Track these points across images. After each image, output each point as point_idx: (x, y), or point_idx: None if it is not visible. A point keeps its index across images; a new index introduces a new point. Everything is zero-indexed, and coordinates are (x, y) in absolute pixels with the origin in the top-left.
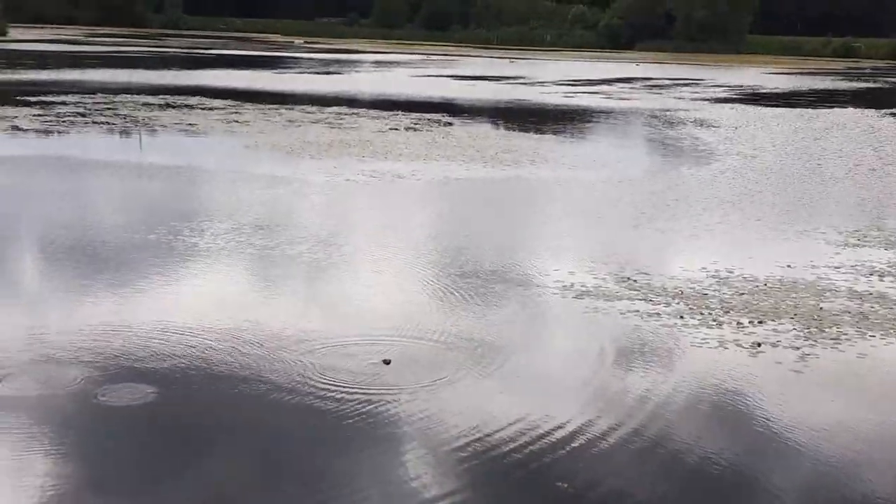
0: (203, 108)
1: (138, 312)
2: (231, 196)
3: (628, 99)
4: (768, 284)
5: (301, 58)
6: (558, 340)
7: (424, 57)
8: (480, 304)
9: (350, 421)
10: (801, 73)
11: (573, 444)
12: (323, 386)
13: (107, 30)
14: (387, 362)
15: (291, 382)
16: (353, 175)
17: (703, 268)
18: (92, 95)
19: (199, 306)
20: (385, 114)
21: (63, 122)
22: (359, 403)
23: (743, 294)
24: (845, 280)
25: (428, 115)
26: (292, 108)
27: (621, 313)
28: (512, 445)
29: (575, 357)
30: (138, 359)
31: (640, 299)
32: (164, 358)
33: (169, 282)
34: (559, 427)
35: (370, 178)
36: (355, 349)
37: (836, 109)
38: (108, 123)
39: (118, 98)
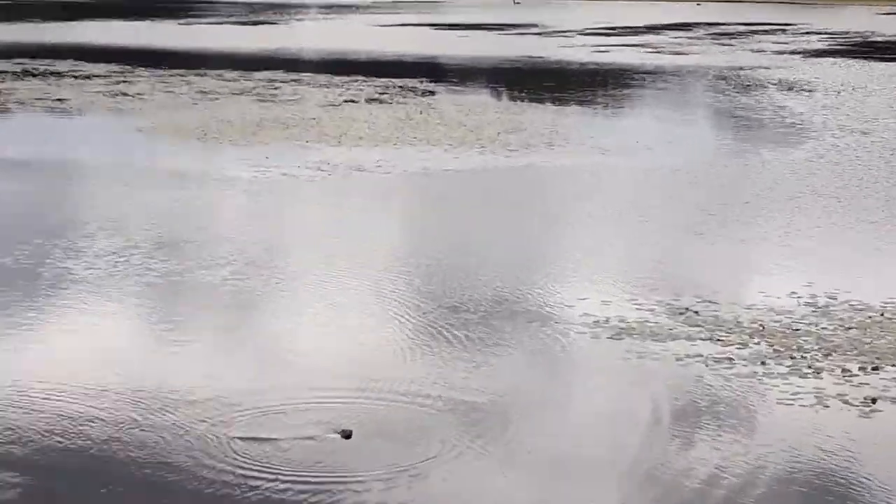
0: (78, 76)
1: None
2: (120, 202)
3: (685, 53)
4: (886, 315)
5: (219, 1)
6: (589, 400)
7: None
8: (478, 348)
9: None
10: None
11: None
12: (249, 472)
13: None
14: (346, 435)
15: (204, 468)
16: (293, 168)
17: (794, 292)
18: None
19: (76, 360)
20: (339, 80)
21: None
22: (303, 499)
23: (850, 329)
24: None
25: (400, 81)
26: (205, 75)
27: (678, 359)
28: None
29: (613, 424)
30: None
31: (705, 338)
32: (27, 436)
33: (33, 326)
34: None
35: (317, 171)
36: (298, 416)
37: None
38: None
39: None
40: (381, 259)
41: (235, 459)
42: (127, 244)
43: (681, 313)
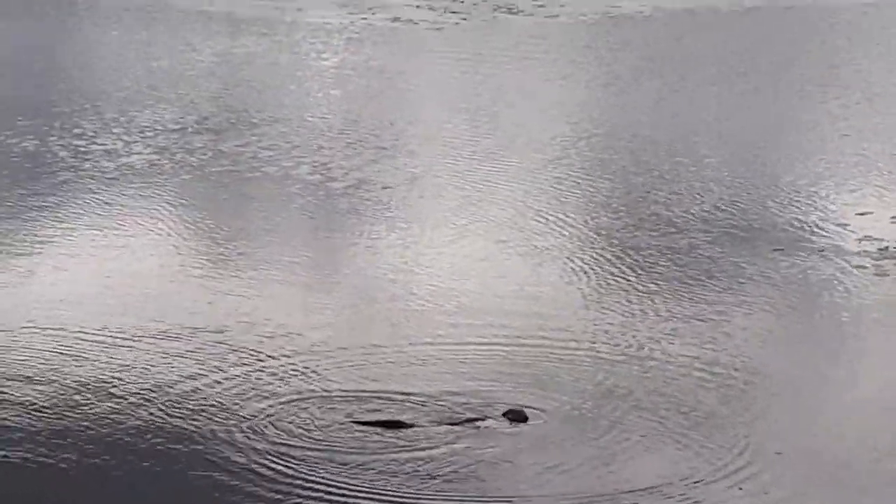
0: None
1: None
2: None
3: None
4: None
5: None
6: (880, 376)
7: None
8: (704, 293)
9: None
10: None
11: None
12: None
13: None
14: (517, 417)
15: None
16: (408, 9)
17: None
18: None
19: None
20: None
21: None
22: None
23: None
24: None
25: None
26: None
27: None
28: None
29: None
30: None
31: None
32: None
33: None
34: None
35: (445, 14)
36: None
37: None
38: None
39: None
40: (546, 148)
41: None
42: (177, 126)
43: None
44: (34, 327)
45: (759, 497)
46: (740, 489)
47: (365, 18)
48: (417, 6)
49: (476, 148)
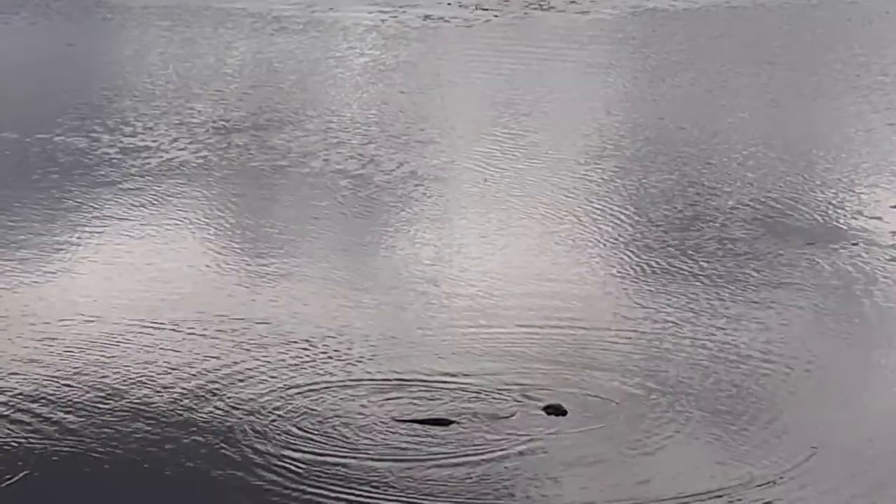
0: None
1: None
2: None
3: None
4: None
5: None
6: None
7: None
8: (738, 289)
9: None
10: None
11: None
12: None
13: None
14: (556, 411)
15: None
16: (438, 6)
17: None
18: None
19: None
20: None
21: None
22: None
23: None
24: None
25: None
26: None
27: None
28: None
29: None
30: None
31: None
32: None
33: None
34: None
35: (476, 11)
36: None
37: None
38: None
39: None
40: (583, 142)
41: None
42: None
43: None
44: (79, 318)
45: (794, 489)
46: (774, 483)
47: (396, 17)
48: (448, 3)
49: (514, 141)
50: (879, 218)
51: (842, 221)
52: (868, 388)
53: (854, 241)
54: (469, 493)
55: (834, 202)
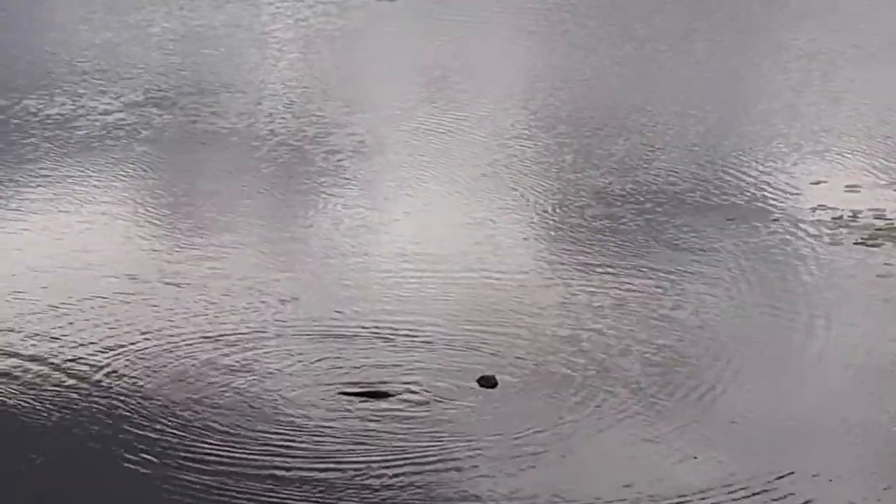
0: None
1: None
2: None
3: None
4: None
5: None
6: (828, 353)
7: None
8: (651, 266)
9: None
10: None
11: None
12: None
13: None
14: (487, 383)
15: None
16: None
17: None
18: None
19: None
20: None
21: None
22: None
23: None
24: None
25: None
26: None
27: None
28: None
29: (872, 397)
30: None
31: None
32: None
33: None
34: None
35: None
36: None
37: None
38: None
39: None
40: (507, 114)
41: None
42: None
43: None
44: None
45: (713, 465)
46: (696, 458)
47: None
48: None
49: (443, 115)
50: (800, 194)
51: (762, 197)
52: (789, 363)
53: (775, 217)
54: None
55: (755, 178)
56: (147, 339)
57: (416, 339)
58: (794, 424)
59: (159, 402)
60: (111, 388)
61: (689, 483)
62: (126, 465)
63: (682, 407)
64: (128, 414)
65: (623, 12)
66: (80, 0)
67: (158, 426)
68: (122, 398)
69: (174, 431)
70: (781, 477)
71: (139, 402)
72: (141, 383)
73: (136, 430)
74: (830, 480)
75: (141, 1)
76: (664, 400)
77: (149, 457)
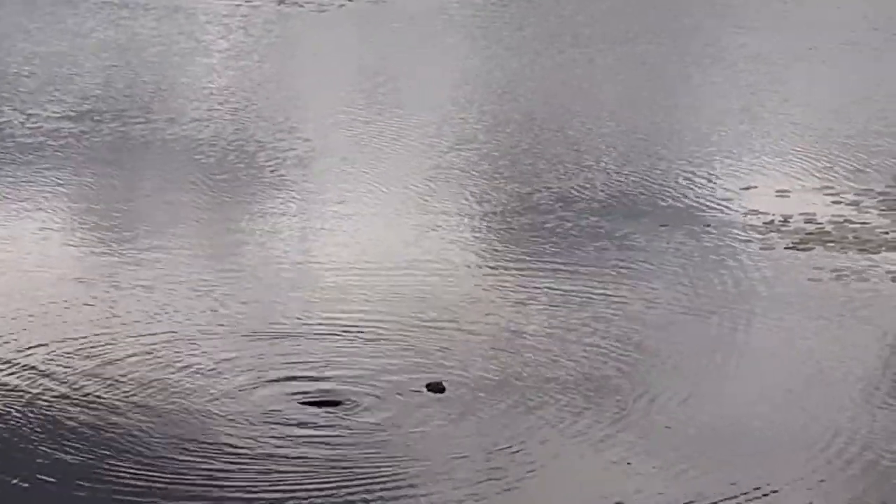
0: None
1: None
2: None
3: None
4: None
5: None
6: (762, 354)
7: None
8: (581, 269)
9: None
10: None
11: None
12: None
13: None
14: (436, 388)
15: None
16: None
17: None
18: None
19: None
20: None
21: None
22: None
23: None
24: None
25: None
26: None
27: None
28: None
29: (801, 396)
30: None
31: None
32: None
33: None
34: None
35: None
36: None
37: None
38: None
39: None
40: (435, 124)
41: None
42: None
43: None
44: None
45: (647, 469)
46: (629, 464)
47: (249, 2)
48: None
49: (381, 119)
50: (732, 199)
51: (695, 203)
52: (723, 368)
53: (707, 223)
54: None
55: (688, 184)
56: (82, 344)
57: (363, 340)
58: (727, 429)
59: (85, 414)
60: (35, 397)
61: (622, 490)
62: (25, 485)
63: (619, 412)
64: (43, 430)
65: (567, 18)
66: (22, 9)
67: (72, 441)
68: (46, 410)
69: (87, 448)
70: (718, 485)
71: (64, 414)
72: (71, 392)
73: (46, 448)
74: (769, 485)
75: (82, 9)
76: (599, 410)
77: (51, 478)
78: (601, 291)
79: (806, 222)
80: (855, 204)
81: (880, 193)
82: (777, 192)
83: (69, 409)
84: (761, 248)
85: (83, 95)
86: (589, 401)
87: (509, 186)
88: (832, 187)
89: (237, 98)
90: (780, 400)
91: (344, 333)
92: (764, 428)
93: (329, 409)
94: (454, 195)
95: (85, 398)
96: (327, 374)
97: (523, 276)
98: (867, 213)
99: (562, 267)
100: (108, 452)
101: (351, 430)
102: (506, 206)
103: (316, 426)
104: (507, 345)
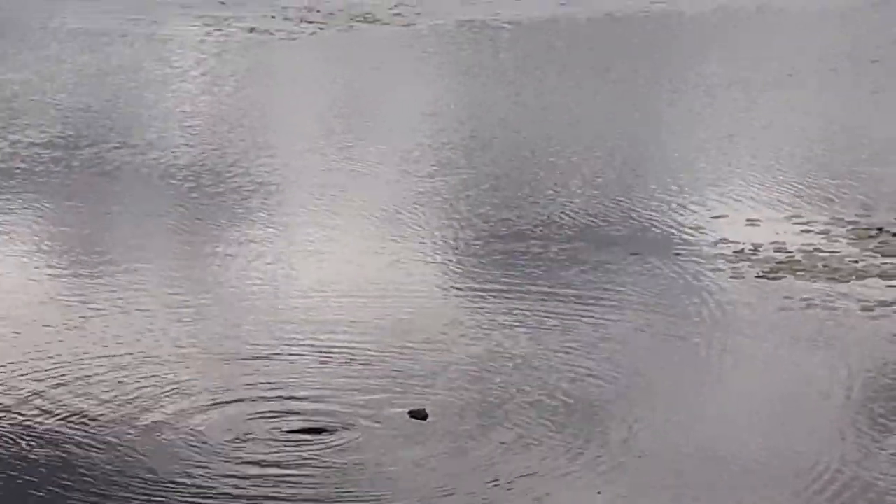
0: None
1: None
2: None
3: None
4: None
5: None
6: (734, 383)
7: None
8: (555, 297)
9: None
10: None
11: None
12: None
13: None
14: (418, 415)
15: None
16: (264, 19)
17: None
18: None
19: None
20: None
21: None
22: None
23: None
24: None
25: None
26: None
27: (867, 309)
28: None
29: (773, 424)
30: None
31: None
32: None
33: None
34: None
35: (301, 24)
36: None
37: None
38: None
39: None
40: (406, 153)
41: None
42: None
43: (871, 236)
44: None
45: (616, 499)
46: (599, 493)
47: (221, 30)
48: (273, 17)
49: (347, 148)
50: (702, 228)
51: (666, 232)
52: (693, 396)
53: (677, 252)
54: None
55: (658, 212)
56: (48, 369)
57: (346, 365)
58: (699, 457)
59: (43, 438)
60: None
61: None
62: None
63: (588, 446)
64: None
65: (540, 46)
66: None
67: (28, 466)
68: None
69: (44, 476)
70: None
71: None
72: (30, 414)
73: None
74: None
75: (59, 36)
76: (569, 438)
77: None
78: (570, 320)
79: (776, 251)
80: (825, 233)
81: (850, 222)
82: (748, 220)
83: (23, 433)
84: (731, 277)
85: (60, 121)
86: (556, 431)
87: (478, 216)
88: (802, 216)
89: (212, 124)
90: (752, 428)
91: (326, 359)
92: (735, 456)
93: (305, 437)
94: (433, 220)
95: (44, 421)
96: (304, 400)
97: (496, 302)
98: (837, 241)
99: (532, 294)
100: (62, 478)
101: (328, 462)
102: (476, 236)
103: (290, 458)
104: (470, 375)
